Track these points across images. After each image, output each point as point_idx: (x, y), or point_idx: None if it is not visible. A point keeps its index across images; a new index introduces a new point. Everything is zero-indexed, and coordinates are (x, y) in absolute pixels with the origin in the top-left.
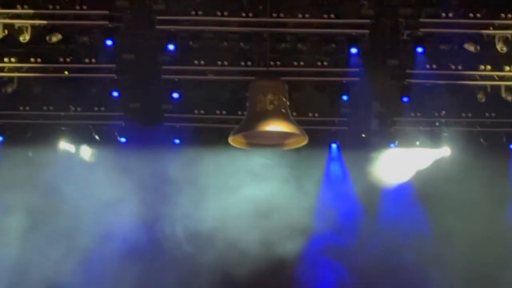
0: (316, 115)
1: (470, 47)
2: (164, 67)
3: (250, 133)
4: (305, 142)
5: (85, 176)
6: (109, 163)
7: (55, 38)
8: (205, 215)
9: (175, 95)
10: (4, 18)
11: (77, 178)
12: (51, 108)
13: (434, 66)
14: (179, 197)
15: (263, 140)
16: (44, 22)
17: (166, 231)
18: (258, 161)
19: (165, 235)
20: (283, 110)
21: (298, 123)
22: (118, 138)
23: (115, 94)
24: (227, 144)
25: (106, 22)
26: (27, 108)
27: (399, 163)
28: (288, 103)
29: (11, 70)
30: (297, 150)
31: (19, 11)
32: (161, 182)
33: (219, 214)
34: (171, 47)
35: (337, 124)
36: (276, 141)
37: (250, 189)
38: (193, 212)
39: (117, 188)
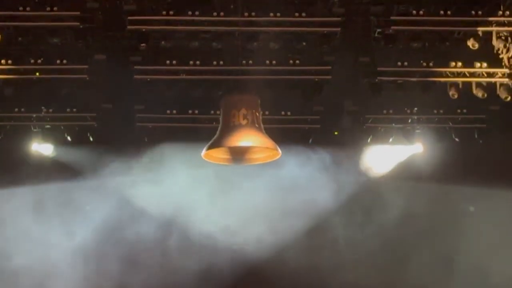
0: (289, 113)
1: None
2: (136, 67)
3: (223, 148)
4: (278, 156)
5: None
6: (81, 163)
7: None
8: (171, 207)
9: (147, 95)
10: None
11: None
12: (22, 109)
13: (406, 63)
14: (151, 195)
15: (236, 154)
16: (15, 23)
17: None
18: None
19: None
20: (257, 125)
21: (271, 121)
22: (90, 138)
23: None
24: (200, 143)
25: (77, 23)
26: None
27: (372, 160)
28: (261, 117)
29: None
30: None
31: None
32: (133, 181)
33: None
34: (142, 47)
35: (310, 122)
36: (249, 155)
37: (221, 187)
38: (160, 206)
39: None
